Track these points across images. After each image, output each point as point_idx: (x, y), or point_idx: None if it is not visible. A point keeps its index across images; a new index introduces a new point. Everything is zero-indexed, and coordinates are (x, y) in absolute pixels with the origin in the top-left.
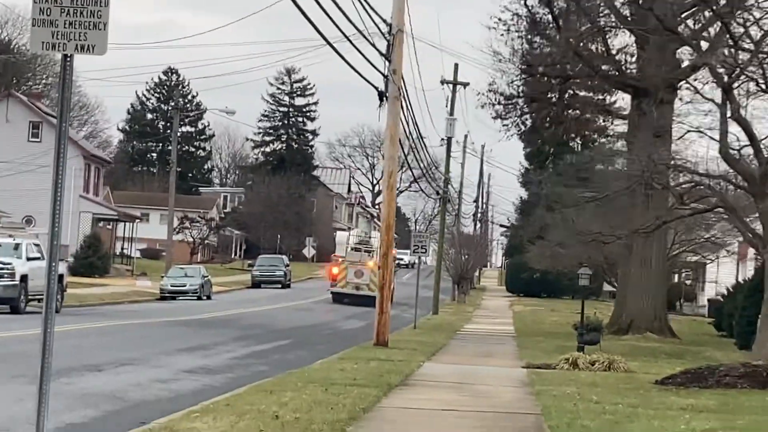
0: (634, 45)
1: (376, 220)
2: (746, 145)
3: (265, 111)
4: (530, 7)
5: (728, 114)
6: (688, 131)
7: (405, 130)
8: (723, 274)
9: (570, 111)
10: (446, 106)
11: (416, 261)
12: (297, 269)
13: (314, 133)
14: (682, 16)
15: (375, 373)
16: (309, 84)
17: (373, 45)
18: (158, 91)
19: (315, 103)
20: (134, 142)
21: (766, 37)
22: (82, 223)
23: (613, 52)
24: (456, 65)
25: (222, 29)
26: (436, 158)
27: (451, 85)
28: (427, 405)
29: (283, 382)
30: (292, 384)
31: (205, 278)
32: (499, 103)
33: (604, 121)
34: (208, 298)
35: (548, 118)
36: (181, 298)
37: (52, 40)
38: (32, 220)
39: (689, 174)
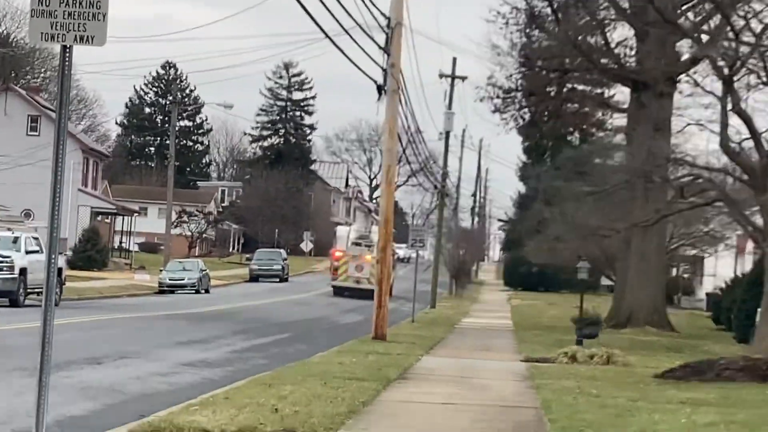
0: (634, 38)
1: (373, 214)
2: (747, 138)
3: (263, 105)
4: (529, 0)
5: (729, 107)
6: (689, 124)
7: (404, 124)
8: (721, 268)
9: (568, 105)
10: (444, 100)
11: (412, 255)
12: (295, 263)
13: (312, 127)
14: (683, 8)
15: (374, 367)
16: (307, 78)
17: (372, 38)
18: (156, 85)
19: (313, 98)
20: (132, 136)
21: (766, 30)
22: (80, 216)
23: (613, 45)
24: (454, 59)
25: (220, 23)
26: (434, 152)
27: (449, 79)
28: (427, 399)
29: (282, 376)
30: (291, 377)
31: (204, 272)
32: (497, 97)
33: (603, 114)
34: (207, 291)
35: (547, 112)
36: (179, 291)
37: (51, 30)
38: (31, 213)
39: (689, 167)
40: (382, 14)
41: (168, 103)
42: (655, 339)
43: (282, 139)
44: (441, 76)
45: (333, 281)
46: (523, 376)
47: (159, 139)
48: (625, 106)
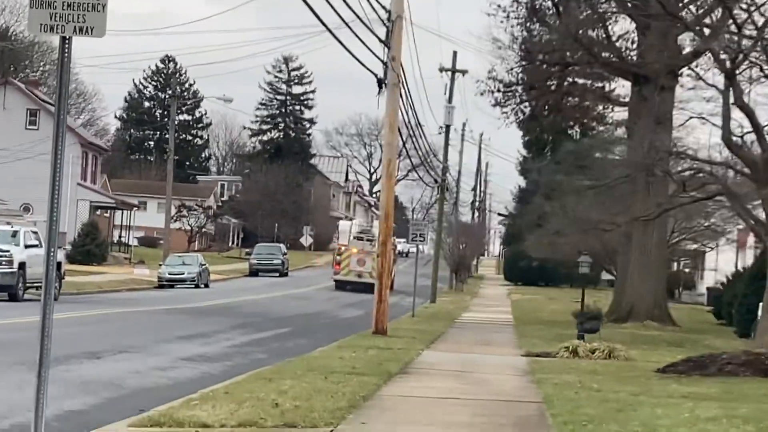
0: (635, 32)
1: (373, 209)
2: (749, 132)
3: (263, 99)
4: None
5: (731, 100)
6: (691, 117)
7: (404, 118)
8: (722, 262)
9: (569, 99)
10: (445, 94)
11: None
12: (294, 258)
13: (312, 121)
14: (684, 1)
15: (374, 361)
16: (306, 72)
17: (373, 31)
18: (155, 79)
19: (312, 92)
20: (131, 130)
21: None
22: (79, 211)
23: (614, 39)
24: (455, 53)
25: (220, 16)
26: (434, 146)
27: (449, 73)
28: (428, 393)
29: (282, 370)
30: (291, 372)
31: (203, 266)
32: (498, 91)
33: (604, 108)
34: (206, 286)
35: (547, 106)
36: (178, 286)
37: (50, 22)
38: (30, 207)
39: (691, 161)
40: (383, 7)
41: (167, 97)
42: (656, 333)
43: (281, 134)
44: (441, 69)
45: (335, 275)
46: (523, 371)
47: (158, 133)
48: (626, 99)
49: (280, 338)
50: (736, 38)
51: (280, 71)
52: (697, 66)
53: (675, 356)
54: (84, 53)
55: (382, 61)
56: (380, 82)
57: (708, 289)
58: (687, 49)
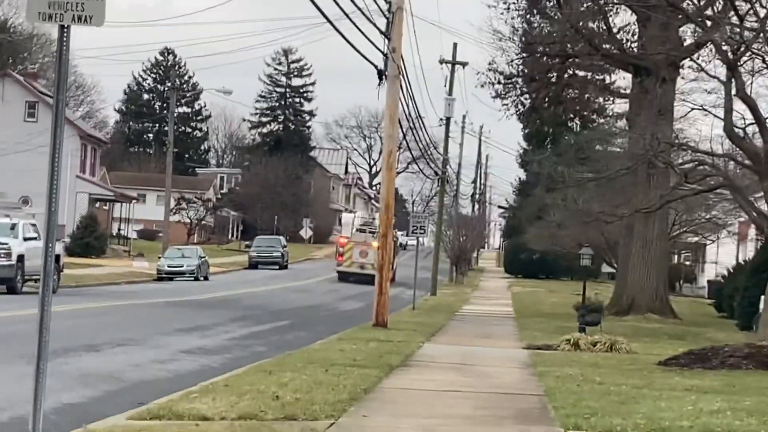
0: (636, 23)
1: (373, 201)
2: (751, 123)
3: (262, 91)
4: None
5: (733, 92)
6: (692, 109)
7: (404, 110)
8: (723, 255)
9: (570, 91)
10: (445, 86)
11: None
12: (294, 250)
13: (311, 113)
14: None
15: (375, 354)
16: (306, 64)
17: (373, 23)
18: (155, 71)
19: (312, 84)
20: (131, 123)
21: None
22: (78, 203)
23: (615, 30)
24: (455, 44)
25: (219, 7)
26: (434, 138)
27: (449, 65)
28: (429, 386)
29: (282, 363)
30: (291, 365)
31: (203, 259)
32: (498, 83)
33: (604, 100)
34: (206, 279)
35: (547, 98)
36: (178, 278)
37: (49, 10)
38: (29, 200)
39: (693, 153)
40: None
41: (167, 89)
42: (658, 326)
43: (281, 126)
44: (441, 61)
45: (338, 266)
46: (525, 364)
47: (157, 125)
48: (627, 91)
49: (280, 331)
50: (738, 29)
51: (280, 63)
52: (698, 58)
53: (677, 349)
54: (83, 45)
55: (382, 52)
56: (381, 74)
57: (709, 281)
58: (688, 41)
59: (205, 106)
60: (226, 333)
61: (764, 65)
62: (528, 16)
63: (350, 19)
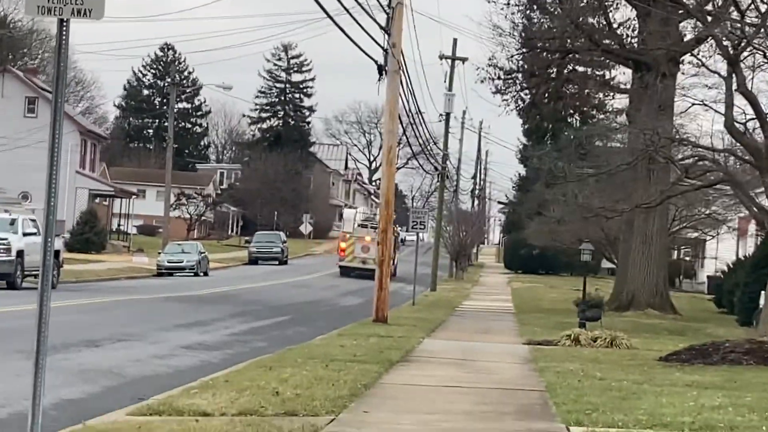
0: (636, 19)
1: (373, 197)
2: (752, 119)
3: (262, 87)
4: None
5: (734, 87)
6: (693, 104)
7: (404, 106)
8: (722, 251)
9: (569, 86)
10: (445, 82)
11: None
12: (294, 246)
13: (311, 109)
14: None
15: (375, 350)
16: (306, 60)
17: (373, 18)
18: (154, 67)
19: (312, 80)
20: (130, 119)
21: None
22: (78, 199)
23: (615, 26)
24: (455, 40)
25: (219, 3)
26: (434, 134)
27: (449, 60)
28: (429, 381)
29: (282, 359)
30: (291, 360)
31: (202, 254)
32: (498, 78)
33: (604, 96)
34: (205, 274)
35: (547, 94)
36: (178, 274)
37: (48, 4)
38: (28, 195)
39: (694, 148)
40: None
41: (166, 84)
42: (658, 322)
43: (281, 121)
44: (441, 57)
45: (340, 261)
46: (525, 359)
47: (157, 121)
48: (627, 87)
49: (279, 326)
50: (738, 25)
51: (280, 59)
52: (699, 53)
53: (677, 345)
54: (82, 40)
55: (382, 47)
56: (380, 69)
57: (708, 277)
58: (688, 36)
59: (205, 101)
60: (226, 328)
61: (765, 60)
62: (528, 12)
63: (350, 14)
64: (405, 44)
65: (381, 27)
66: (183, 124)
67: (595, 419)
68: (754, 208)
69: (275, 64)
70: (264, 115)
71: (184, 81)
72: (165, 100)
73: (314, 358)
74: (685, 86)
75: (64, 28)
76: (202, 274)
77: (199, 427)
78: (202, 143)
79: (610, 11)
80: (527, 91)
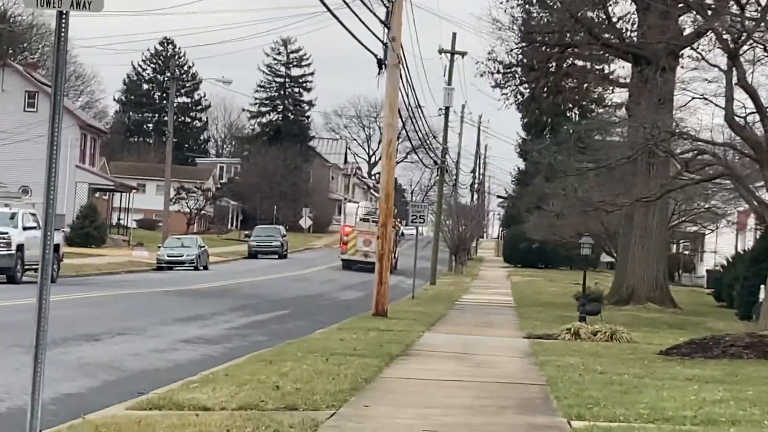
0: (635, 13)
1: (372, 190)
2: (752, 112)
3: (262, 82)
4: None
5: (734, 81)
6: (693, 98)
7: (404, 100)
8: (722, 245)
9: (569, 80)
10: (444, 76)
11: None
12: (293, 240)
13: (310, 103)
14: None
15: (375, 343)
16: (305, 54)
17: (373, 11)
18: (154, 61)
19: (311, 74)
20: (130, 113)
21: None
22: (78, 193)
23: (614, 20)
24: (454, 34)
25: None
26: (433, 128)
27: (449, 55)
28: (430, 375)
29: (282, 353)
30: (291, 354)
31: (202, 248)
32: (498, 72)
33: (603, 90)
34: (205, 268)
35: (546, 88)
36: (177, 268)
37: None
38: (28, 190)
39: (694, 142)
40: None
41: (166, 79)
42: (657, 316)
43: (280, 116)
44: (441, 51)
45: (342, 255)
46: (525, 353)
47: (157, 115)
48: (626, 81)
49: (279, 320)
50: (738, 18)
51: (279, 53)
52: (698, 47)
53: (677, 338)
54: (82, 34)
55: (382, 41)
56: (380, 63)
57: (708, 271)
58: (688, 30)
59: (204, 96)
60: (226, 322)
61: (765, 54)
62: (527, 6)
63: (350, 8)
64: (404, 38)
65: (381, 21)
66: (183, 118)
67: (596, 413)
68: (755, 202)
69: (275, 59)
70: (263, 109)
71: (184, 75)
72: (165, 95)
73: (314, 352)
74: (685, 80)
75: (64, 21)
76: (201, 268)
77: (199, 421)
78: (201, 137)
79: (610, 5)
80: (526, 85)
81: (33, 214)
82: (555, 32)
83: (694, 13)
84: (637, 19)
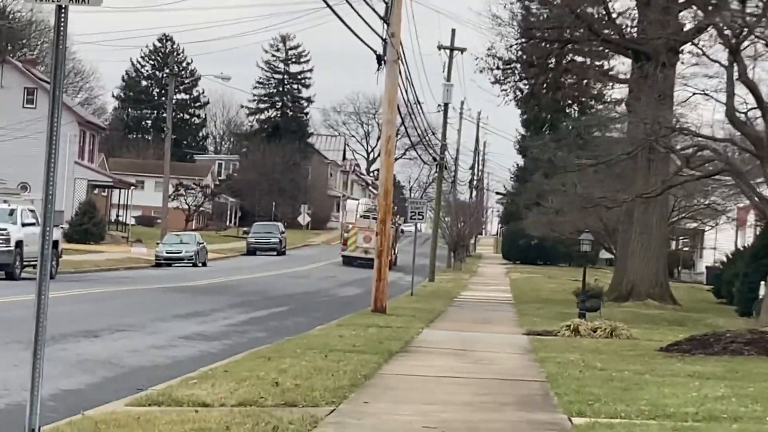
0: (635, 9)
1: (371, 187)
2: (753, 108)
3: (260, 78)
4: None
5: (735, 76)
6: (694, 94)
7: (403, 96)
8: (721, 241)
9: (568, 77)
10: (443, 72)
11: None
12: (292, 236)
13: (309, 100)
14: None
15: (374, 340)
16: (304, 51)
17: (372, 7)
18: (153, 57)
19: (310, 71)
20: (129, 109)
21: None
22: (77, 189)
23: (614, 15)
24: (453, 30)
25: None
26: (432, 124)
27: (448, 51)
28: (429, 372)
29: (281, 349)
30: (290, 350)
31: (201, 245)
32: (497, 68)
33: (603, 86)
34: (204, 265)
35: (546, 84)
36: (176, 264)
37: None
38: (27, 186)
39: (695, 137)
40: None
41: (165, 75)
42: (657, 312)
43: (279, 112)
44: (440, 47)
45: (343, 251)
46: (525, 349)
47: (156, 112)
48: (626, 77)
49: (278, 317)
50: (740, 13)
51: (278, 50)
52: (699, 42)
53: (677, 335)
54: (81, 30)
55: (381, 37)
56: (380, 59)
57: (707, 267)
58: (689, 26)
59: (203, 92)
60: (225, 319)
61: (767, 49)
62: (527, 2)
63: (349, 4)
64: (404, 34)
65: (380, 16)
66: (181, 115)
67: (597, 410)
68: (756, 198)
69: (273, 55)
70: (262, 106)
71: (183, 72)
72: (163, 91)
73: (313, 348)
74: (686, 76)
75: (63, 15)
76: (200, 264)
77: (198, 417)
78: (200, 134)
79: (610, 1)
80: (526, 82)
81: (32, 211)
82: (555, 28)
83: (695, 8)
84: (637, 15)
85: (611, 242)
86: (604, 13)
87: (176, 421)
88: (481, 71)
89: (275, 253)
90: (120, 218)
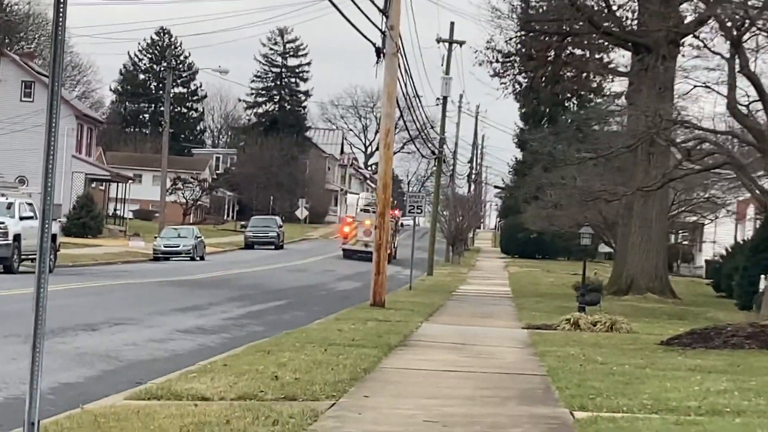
0: (636, 1)
1: (369, 181)
2: (755, 101)
3: (258, 72)
4: None
5: (737, 68)
6: (695, 86)
7: (402, 90)
8: (721, 235)
9: (567, 70)
10: (442, 65)
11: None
12: (290, 230)
13: (307, 93)
14: None
15: (373, 334)
16: (302, 44)
17: (371, 0)
18: (150, 51)
19: (308, 64)
20: (127, 103)
21: None
22: (74, 183)
23: (614, 8)
24: (452, 23)
25: None
26: (431, 118)
27: (447, 44)
28: (429, 365)
29: (280, 343)
30: (289, 344)
31: (198, 239)
32: (496, 61)
33: (602, 79)
34: (202, 258)
35: (545, 77)
36: (174, 258)
37: None
38: (25, 180)
39: (695, 130)
40: None
41: (162, 69)
42: (657, 306)
43: (277, 106)
44: (438, 40)
45: (343, 245)
46: (525, 343)
47: (153, 105)
48: (626, 70)
49: (276, 310)
50: (741, 5)
51: (276, 43)
52: (700, 34)
53: (677, 329)
54: (79, 23)
55: (380, 30)
56: (378, 52)
57: (706, 261)
58: (689, 18)
59: (201, 86)
60: (223, 312)
61: None
62: None
63: None
64: (403, 27)
65: (379, 9)
66: (179, 108)
67: (599, 404)
68: (757, 191)
69: (271, 49)
70: (260, 99)
71: (180, 65)
72: (161, 85)
73: (312, 342)
74: (687, 68)
75: (62, 7)
76: (198, 258)
77: (197, 411)
78: (198, 128)
79: None
80: (525, 75)
81: (30, 204)
82: (554, 21)
83: (696, 0)
84: (637, 7)
85: (611, 236)
86: (604, 5)
87: (176, 415)
88: (480, 64)
89: (273, 247)
90: (118, 212)
